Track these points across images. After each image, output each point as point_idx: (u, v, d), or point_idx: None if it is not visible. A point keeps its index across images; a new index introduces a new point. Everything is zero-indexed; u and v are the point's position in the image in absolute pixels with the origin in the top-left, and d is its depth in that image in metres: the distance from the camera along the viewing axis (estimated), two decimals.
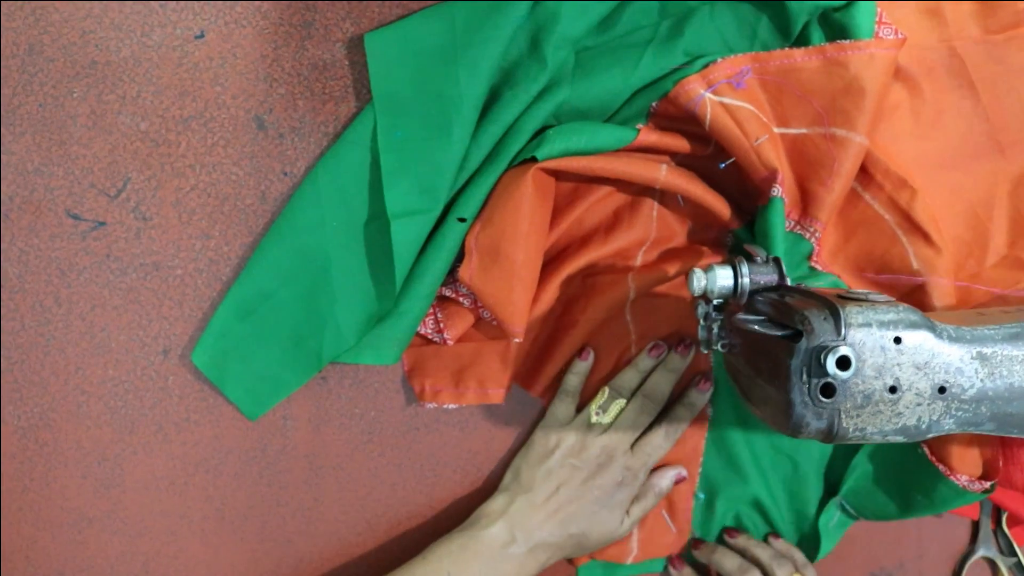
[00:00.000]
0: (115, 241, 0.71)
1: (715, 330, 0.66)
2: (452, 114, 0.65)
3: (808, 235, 0.69)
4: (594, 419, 0.71)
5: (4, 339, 0.71)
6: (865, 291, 0.56)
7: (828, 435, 0.52)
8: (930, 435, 0.53)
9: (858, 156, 0.66)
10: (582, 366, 0.73)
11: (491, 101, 0.67)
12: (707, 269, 0.60)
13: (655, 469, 0.74)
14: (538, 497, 0.70)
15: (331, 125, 0.70)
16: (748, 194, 0.70)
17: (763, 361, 0.57)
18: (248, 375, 0.72)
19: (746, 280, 0.60)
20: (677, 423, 0.73)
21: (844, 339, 0.51)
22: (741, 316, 0.58)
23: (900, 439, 0.53)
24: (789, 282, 0.59)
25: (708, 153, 0.70)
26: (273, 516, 0.75)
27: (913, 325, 0.52)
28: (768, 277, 0.60)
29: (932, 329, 0.52)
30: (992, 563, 0.79)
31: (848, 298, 0.54)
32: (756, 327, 0.56)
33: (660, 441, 0.72)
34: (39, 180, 0.70)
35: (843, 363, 0.50)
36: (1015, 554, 0.77)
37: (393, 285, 0.67)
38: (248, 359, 0.71)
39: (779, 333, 0.54)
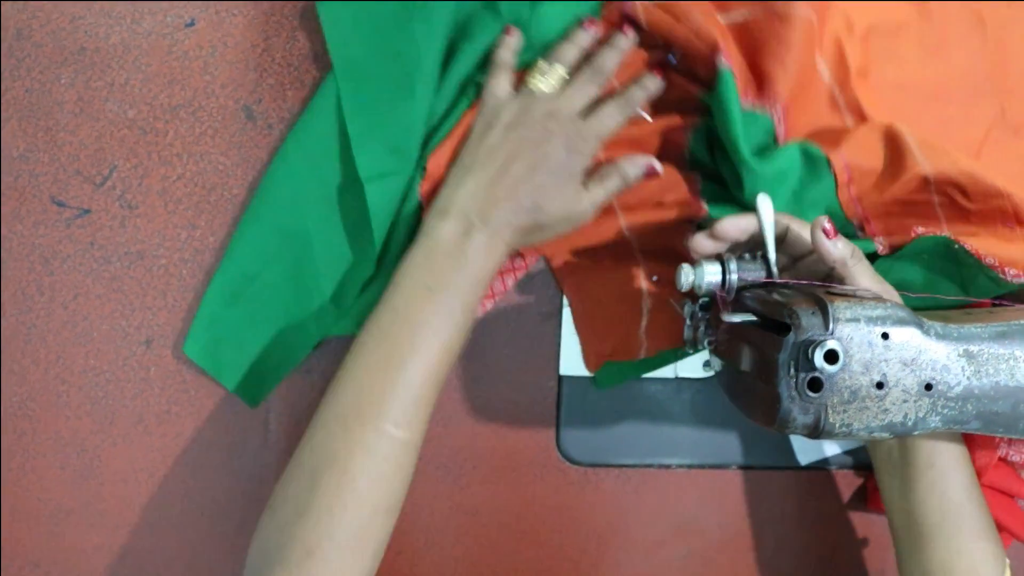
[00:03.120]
0: (100, 229, 0.70)
1: (701, 328, 0.66)
2: (413, 72, 0.65)
3: (770, 110, 0.67)
4: (535, 85, 0.67)
5: None
6: (853, 287, 0.56)
7: (814, 430, 0.52)
8: (916, 432, 0.53)
9: (806, 29, 0.64)
10: (510, 40, 0.68)
11: (450, 55, 0.67)
12: (695, 265, 0.61)
13: (623, 155, 0.69)
14: (485, 176, 0.64)
15: None
16: (707, 84, 0.69)
17: (750, 357, 0.57)
18: (243, 361, 0.71)
19: (734, 276, 0.60)
20: (628, 100, 0.68)
21: (832, 334, 0.51)
22: (728, 313, 0.58)
23: (886, 436, 0.53)
24: (776, 278, 0.59)
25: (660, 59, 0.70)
26: (253, 510, 0.74)
27: (901, 321, 0.52)
28: (756, 274, 0.60)
29: (920, 326, 0.53)
30: None
31: (836, 294, 0.54)
32: (744, 322, 0.56)
33: (610, 112, 0.67)
34: (24, 166, 0.69)
35: (831, 357, 0.50)
36: None
37: (375, 250, 0.67)
38: (241, 344, 0.70)
39: (767, 327, 0.54)
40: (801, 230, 0.62)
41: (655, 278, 0.74)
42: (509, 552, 0.77)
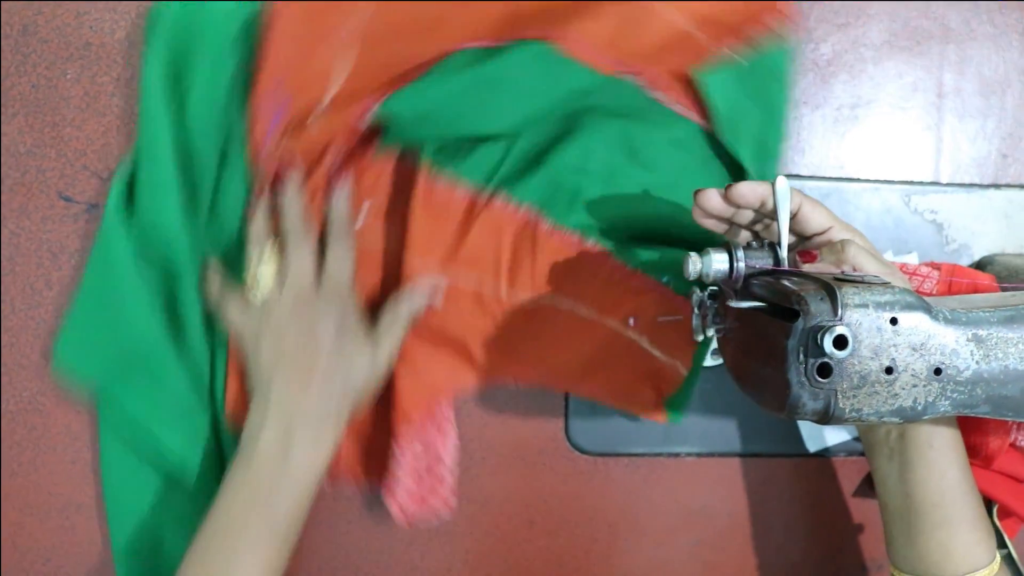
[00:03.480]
0: None
1: (709, 317, 0.66)
2: (162, 350, 0.70)
3: None
4: (258, 286, 0.67)
5: None
6: (861, 274, 0.56)
7: (824, 416, 0.52)
8: (925, 416, 0.53)
9: None
10: (212, 276, 0.69)
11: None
12: (702, 253, 0.60)
13: (405, 292, 0.70)
14: (284, 379, 0.65)
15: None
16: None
17: (759, 344, 0.57)
18: None
19: (741, 264, 0.60)
20: (340, 232, 0.69)
21: (841, 319, 0.51)
22: (736, 301, 0.58)
23: (896, 420, 0.53)
24: (786, 265, 0.59)
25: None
26: None
27: (909, 306, 0.52)
28: (763, 261, 0.60)
29: (928, 311, 0.52)
30: None
31: (844, 280, 0.54)
32: (753, 309, 0.56)
33: (336, 258, 0.68)
34: (31, 162, 0.70)
35: (840, 342, 0.50)
36: (1005, 545, 0.76)
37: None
38: None
39: (774, 311, 0.54)
40: (813, 210, 0.61)
41: (631, 322, 0.74)
42: (519, 542, 0.77)
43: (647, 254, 0.73)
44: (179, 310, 0.69)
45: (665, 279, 0.73)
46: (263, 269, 0.67)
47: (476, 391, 0.75)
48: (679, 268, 0.70)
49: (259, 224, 0.68)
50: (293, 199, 0.67)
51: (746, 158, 0.71)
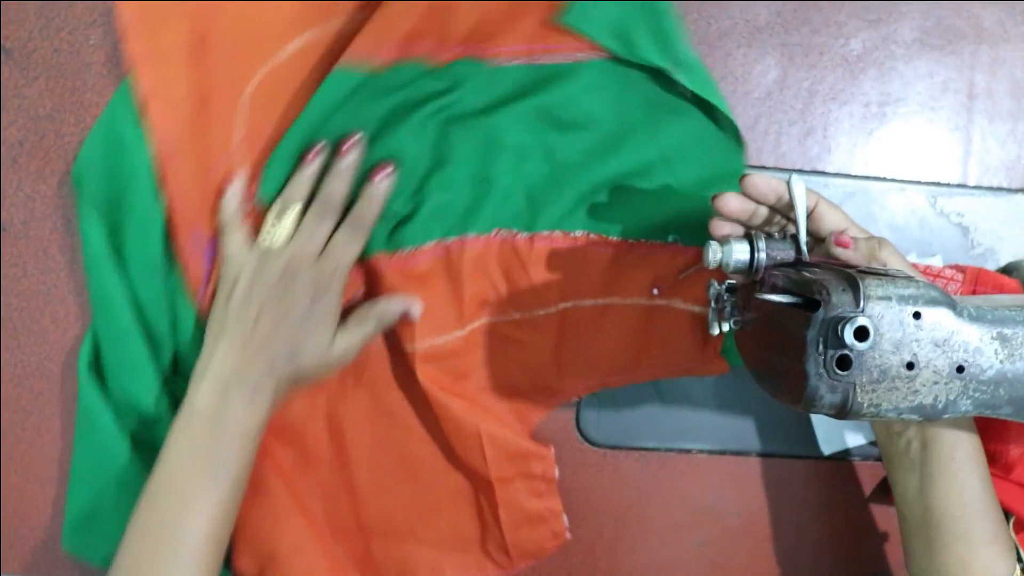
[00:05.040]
0: None
1: (727, 309, 0.65)
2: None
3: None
4: (268, 236, 0.67)
5: (5, 285, 0.70)
6: (884, 267, 0.55)
7: (842, 409, 0.51)
8: (946, 415, 0.52)
9: None
10: (232, 189, 0.67)
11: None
12: (723, 242, 0.60)
13: (385, 295, 0.70)
14: (236, 336, 0.65)
15: None
16: None
17: (778, 335, 0.55)
18: None
19: (763, 255, 0.59)
20: (358, 221, 0.68)
21: (863, 311, 0.50)
22: (760, 291, 0.57)
23: (914, 418, 0.52)
24: (806, 258, 0.58)
25: None
26: None
27: (933, 301, 0.51)
28: (785, 253, 0.59)
29: (952, 307, 0.51)
30: None
31: (867, 272, 0.53)
32: (774, 298, 0.55)
33: (343, 242, 0.67)
34: (50, 126, 0.69)
35: (861, 334, 0.49)
36: (1021, 559, 0.75)
37: None
38: None
39: (797, 303, 0.53)
40: (829, 210, 0.60)
41: (656, 291, 0.73)
42: None
43: (638, 220, 0.72)
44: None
45: (671, 238, 0.71)
46: (284, 222, 0.66)
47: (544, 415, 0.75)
48: (680, 222, 0.70)
49: (302, 183, 0.67)
50: (338, 177, 0.67)
51: (655, 56, 0.69)
